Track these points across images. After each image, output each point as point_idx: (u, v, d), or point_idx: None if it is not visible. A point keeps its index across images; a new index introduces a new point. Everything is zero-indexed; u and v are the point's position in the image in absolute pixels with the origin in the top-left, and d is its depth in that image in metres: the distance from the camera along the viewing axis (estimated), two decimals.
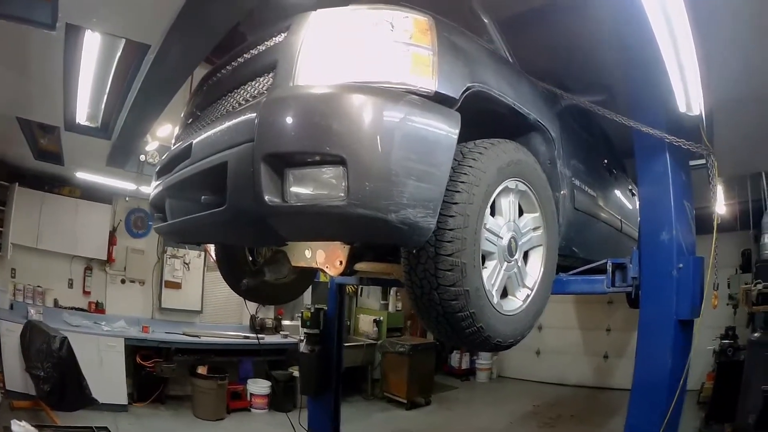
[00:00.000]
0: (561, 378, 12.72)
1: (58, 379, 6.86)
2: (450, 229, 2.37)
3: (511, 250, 2.87)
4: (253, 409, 9.91)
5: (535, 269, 3.13)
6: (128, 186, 9.38)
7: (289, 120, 2.14)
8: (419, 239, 2.25)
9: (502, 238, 2.80)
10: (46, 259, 9.76)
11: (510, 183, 2.83)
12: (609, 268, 3.83)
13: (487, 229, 2.66)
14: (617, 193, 5.39)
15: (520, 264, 2.99)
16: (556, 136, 3.53)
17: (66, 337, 7.20)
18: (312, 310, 6.61)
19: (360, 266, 3.25)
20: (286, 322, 11.42)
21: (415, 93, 2.29)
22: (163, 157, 3.32)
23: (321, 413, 6.78)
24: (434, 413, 10.51)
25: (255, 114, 2.21)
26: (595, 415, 10.01)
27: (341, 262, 3.01)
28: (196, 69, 4.65)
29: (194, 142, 2.68)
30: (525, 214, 3.07)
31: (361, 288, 12.40)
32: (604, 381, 12.10)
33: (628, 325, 11.16)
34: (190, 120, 3.26)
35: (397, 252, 2.65)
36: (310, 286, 5.07)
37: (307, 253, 3.27)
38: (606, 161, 5.12)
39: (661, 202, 3.89)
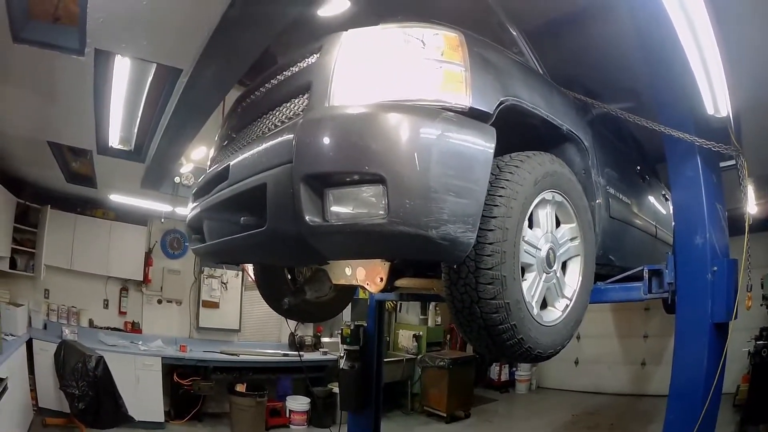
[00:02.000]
0: (599, 386, 12.58)
1: (94, 397, 6.97)
2: (489, 243, 2.37)
3: (549, 262, 2.86)
4: (292, 426, 9.96)
5: (573, 279, 3.11)
6: (163, 207, 9.47)
7: (326, 140, 2.16)
8: (460, 254, 2.24)
9: (540, 249, 2.79)
10: (80, 280, 9.91)
11: (547, 195, 2.83)
12: (645, 275, 3.78)
13: (526, 242, 2.65)
14: (651, 198, 5.34)
15: (558, 275, 2.98)
16: (589, 146, 3.51)
17: (102, 356, 7.34)
18: (352, 327, 6.63)
19: (401, 282, 3.26)
20: (325, 339, 11.53)
21: (449, 110, 2.28)
22: (200, 180, 3.35)
23: (361, 429, 6.80)
24: (474, 426, 10.48)
25: (292, 135, 2.23)
26: (633, 423, 9.93)
27: (382, 279, 3.01)
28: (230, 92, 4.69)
29: (231, 164, 2.71)
30: (562, 225, 3.05)
31: (400, 303, 12.46)
32: (641, 388, 11.94)
33: (664, 331, 10.89)
34: (226, 142, 3.30)
35: (438, 267, 2.65)
36: (350, 303, 5.07)
37: (348, 271, 3.28)
38: (639, 168, 5.07)
39: (694, 205, 3.87)
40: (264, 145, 2.45)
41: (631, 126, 4.51)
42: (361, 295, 5.65)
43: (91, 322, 9.96)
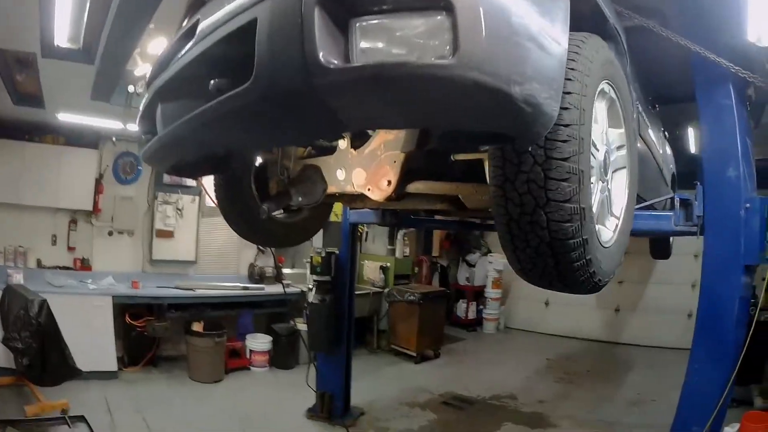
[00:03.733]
0: (571, 331, 12.51)
1: (38, 349, 6.23)
2: (565, 125, 1.75)
3: (605, 167, 2.29)
4: (253, 368, 9.41)
5: (620, 195, 2.54)
6: (115, 125, 8.70)
7: None
8: (540, 129, 1.61)
9: (599, 150, 2.20)
10: (28, 215, 9.22)
11: (605, 86, 2.24)
12: (676, 204, 3.51)
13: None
14: (658, 132, 4.98)
15: (610, 186, 2.41)
16: (627, 50, 2.98)
17: (45, 300, 6.56)
18: (323, 255, 6.16)
19: (415, 187, 2.57)
20: (286, 271, 10.87)
21: None
22: (154, 63, 2.57)
23: (331, 370, 6.44)
24: (446, 367, 10.14)
25: None
26: (611, 371, 9.81)
27: (389, 182, 2.36)
28: None
29: (201, 20, 1.97)
30: (611, 129, 2.46)
31: (366, 232, 11.77)
32: (615, 336, 11.93)
33: (641, 277, 10.91)
34: (194, 11, 2.47)
35: (453, 172, 2.14)
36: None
37: (340, 174, 2.61)
38: (650, 97, 4.68)
39: (727, 135, 3.69)
40: None
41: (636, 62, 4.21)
42: (332, 218, 5.03)
43: (39, 262, 9.27)
